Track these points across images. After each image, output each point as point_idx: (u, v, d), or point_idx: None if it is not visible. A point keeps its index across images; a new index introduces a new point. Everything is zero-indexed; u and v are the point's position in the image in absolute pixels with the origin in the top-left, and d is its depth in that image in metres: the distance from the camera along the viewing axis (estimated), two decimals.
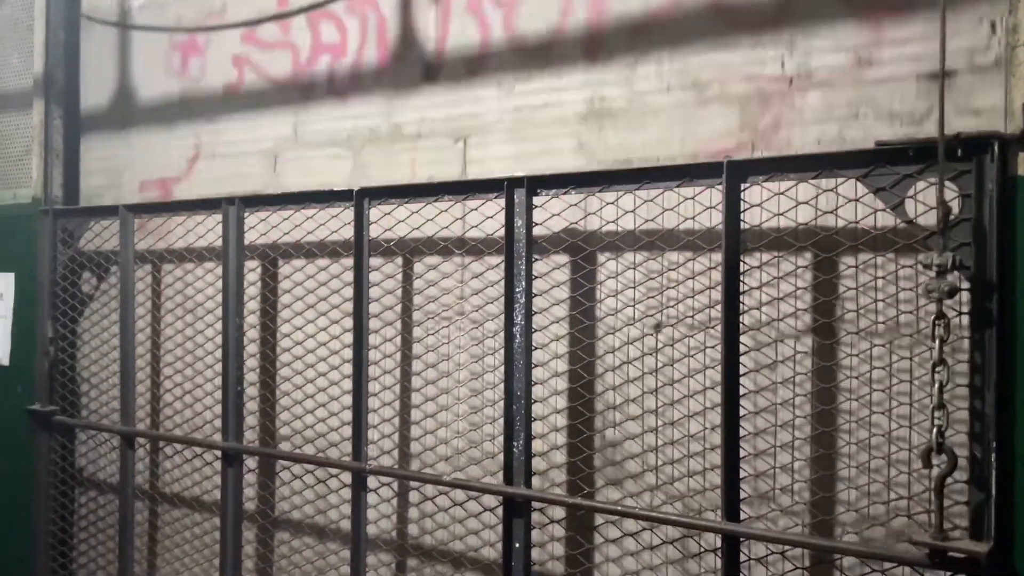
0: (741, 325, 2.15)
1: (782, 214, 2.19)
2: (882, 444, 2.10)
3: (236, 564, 3.11)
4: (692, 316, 2.36)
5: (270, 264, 3.24)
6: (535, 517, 2.53)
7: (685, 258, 2.38)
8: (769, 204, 2.19)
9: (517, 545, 2.44)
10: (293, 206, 2.99)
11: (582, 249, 2.52)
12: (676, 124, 2.44)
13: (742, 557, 2.14)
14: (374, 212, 2.77)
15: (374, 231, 2.79)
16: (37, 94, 3.85)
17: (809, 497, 2.20)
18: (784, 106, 2.27)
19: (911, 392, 2.06)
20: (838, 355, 2.17)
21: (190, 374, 3.43)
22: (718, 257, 2.20)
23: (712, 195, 2.25)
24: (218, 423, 3.14)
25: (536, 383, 2.49)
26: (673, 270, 2.39)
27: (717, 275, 2.22)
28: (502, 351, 2.49)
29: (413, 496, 2.88)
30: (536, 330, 2.52)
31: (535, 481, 2.50)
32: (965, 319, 1.93)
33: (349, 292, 2.84)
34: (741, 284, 2.14)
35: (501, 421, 2.54)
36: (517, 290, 2.45)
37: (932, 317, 1.87)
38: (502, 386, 2.47)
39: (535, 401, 2.49)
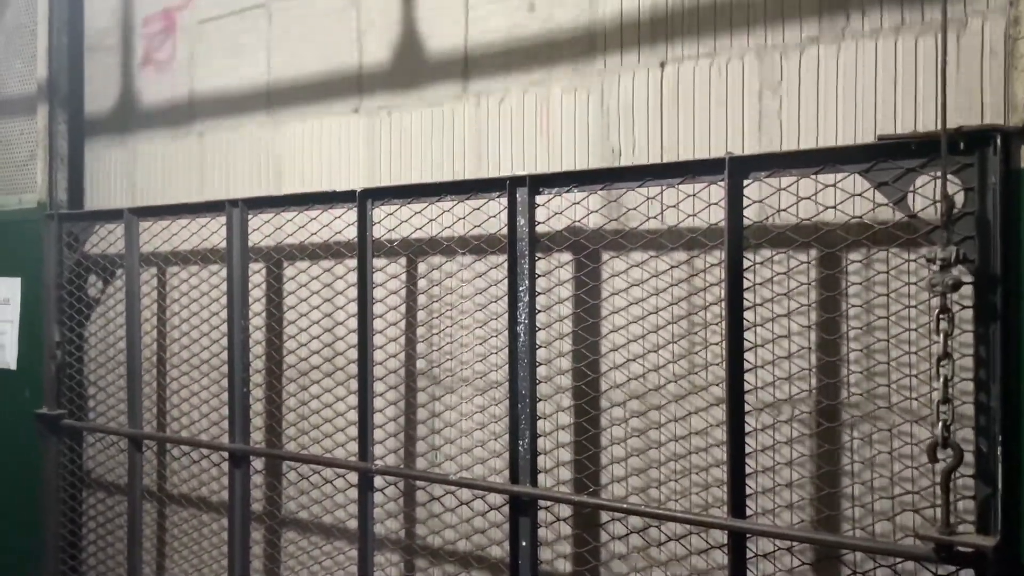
0: (744, 321, 2.14)
1: (783, 210, 2.19)
2: (887, 439, 2.10)
3: (244, 564, 3.12)
4: (695, 313, 2.36)
5: (274, 266, 3.25)
6: (541, 515, 2.53)
7: (688, 255, 2.38)
8: (770, 200, 2.19)
9: (524, 543, 2.44)
10: (296, 207, 3.00)
11: (585, 247, 2.52)
12: None
13: (748, 553, 2.14)
14: (377, 212, 2.78)
15: (377, 231, 2.80)
16: (41, 99, 3.86)
17: (814, 492, 2.20)
18: None
19: (911, 386, 2.06)
20: (842, 351, 2.16)
21: (196, 376, 3.44)
22: (720, 254, 2.20)
23: (711, 192, 2.24)
24: (224, 424, 3.15)
25: (541, 381, 2.49)
26: (676, 267, 2.39)
27: (720, 272, 2.22)
28: (506, 350, 2.49)
29: (419, 495, 2.89)
30: (540, 328, 2.52)
31: (541, 479, 2.51)
32: (969, 313, 1.92)
33: (353, 292, 2.84)
34: (744, 280, 2.14)
35: (506, 420, 2.54)
36: (520, 289, 2.45)
37: (936, 311, 1.86)
38: (507, 385, 2.47)
39: (540, 399, 2.49)
